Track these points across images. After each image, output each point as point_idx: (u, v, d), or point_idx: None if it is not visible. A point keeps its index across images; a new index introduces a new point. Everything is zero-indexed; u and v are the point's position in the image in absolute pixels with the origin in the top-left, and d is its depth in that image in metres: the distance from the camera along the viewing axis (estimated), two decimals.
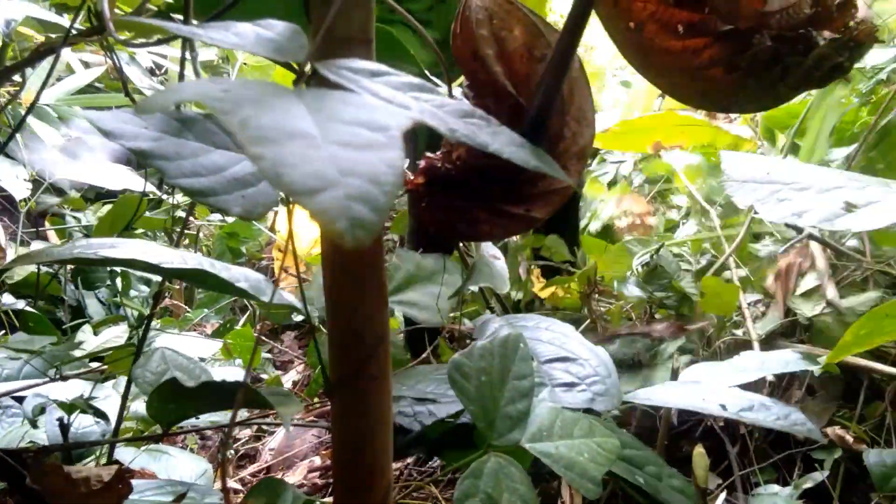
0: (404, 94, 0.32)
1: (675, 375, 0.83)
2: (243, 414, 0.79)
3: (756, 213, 0.48)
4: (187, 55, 0.54)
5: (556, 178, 0.45)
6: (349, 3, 0.41)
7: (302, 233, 1.73)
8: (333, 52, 0.42)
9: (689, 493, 0.70)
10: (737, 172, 0.60)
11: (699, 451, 0.94)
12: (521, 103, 0.43)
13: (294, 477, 1.11)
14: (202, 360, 1.24)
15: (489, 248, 0.73)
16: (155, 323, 1.71)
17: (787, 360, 0.77)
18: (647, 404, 0.71)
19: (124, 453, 0.91)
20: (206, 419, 0.85)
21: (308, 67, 0.34)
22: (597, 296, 1.28)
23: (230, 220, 1.64)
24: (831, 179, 0.60)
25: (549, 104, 0.37)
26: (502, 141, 0.31)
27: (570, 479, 0.49)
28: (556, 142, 0.45)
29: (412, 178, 0.44)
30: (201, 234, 1.70)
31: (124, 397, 0.82)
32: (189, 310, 1.60)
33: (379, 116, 0.24)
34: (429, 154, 0.45)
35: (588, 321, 1.32)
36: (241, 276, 0.70)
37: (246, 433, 1.41)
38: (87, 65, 1.87)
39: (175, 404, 0.66)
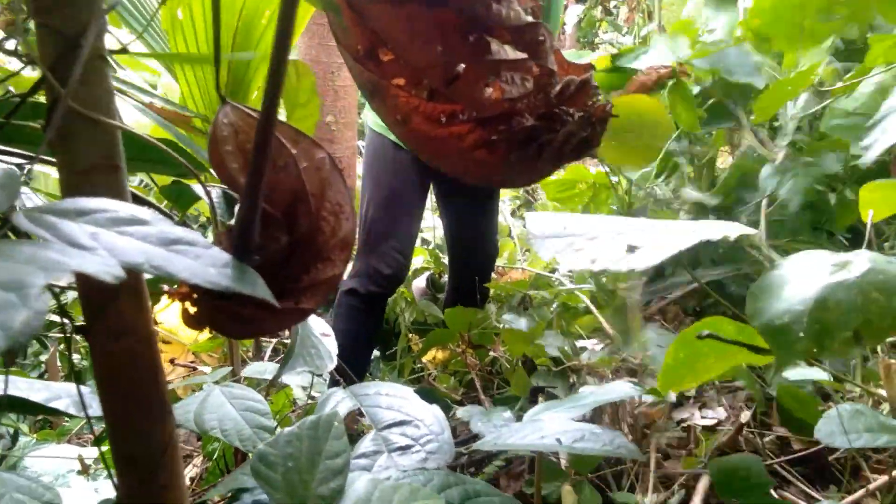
0: (108, 231, 0.35)
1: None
2: None
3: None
4: None
5: (325, 269, 0.49)
6: (88, 134, 0.44)
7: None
8: (76, 185, 0.44)
9: None
10: (539, 229, 0.66)
11: (567, 489, 0.98)
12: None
13: None
14: (80, 472, 1.18)
15: (320, 324, 0.75)
16: (30, 438, 1.61)
17: (620, 390, 0.83)
18: (493, 450, 0.74)
19: None
20: None
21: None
22: (472, 351, 1.33)
23: None
24: (617, 227, 0.67)
25: (253, 211, 0.40)
26: (198, 265, 0.34)
27: None
28: (314, 237, 0.49)
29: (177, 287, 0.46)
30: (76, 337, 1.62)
31: None
32: (67, 419, 1.51)
33: (24, 274, 0.27)
34: None
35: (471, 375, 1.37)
36: (62, 392, 0.69)
37: None
38: None
39: None
